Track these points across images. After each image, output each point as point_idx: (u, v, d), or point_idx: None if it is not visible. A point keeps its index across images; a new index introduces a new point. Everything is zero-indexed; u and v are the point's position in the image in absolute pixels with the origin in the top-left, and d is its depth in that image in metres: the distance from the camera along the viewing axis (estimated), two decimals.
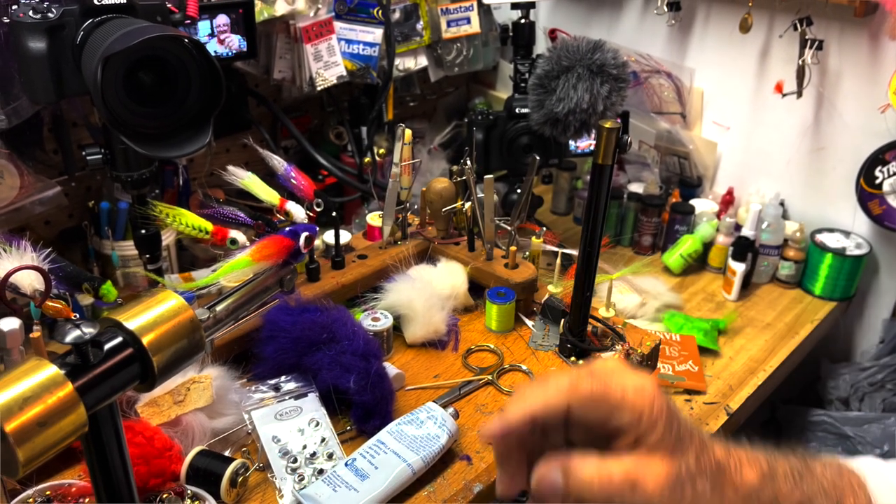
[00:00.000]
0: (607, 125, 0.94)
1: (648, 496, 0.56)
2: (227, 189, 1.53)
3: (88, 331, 0.51)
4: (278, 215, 1.09)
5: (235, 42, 1.34)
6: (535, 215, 1.83)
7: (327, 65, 1.57)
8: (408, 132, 1.18)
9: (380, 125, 1.74)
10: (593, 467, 0.56)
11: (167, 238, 1.37)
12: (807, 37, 1.53)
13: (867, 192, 1.56)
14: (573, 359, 1.09)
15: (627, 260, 1.77)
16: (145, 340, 0.54)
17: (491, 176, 1.16)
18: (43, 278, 0.79)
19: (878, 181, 1.55)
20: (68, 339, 0.51)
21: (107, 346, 0.53)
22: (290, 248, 0.61)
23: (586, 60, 1.40)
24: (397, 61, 1.71)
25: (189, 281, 1.43)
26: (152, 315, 0.56)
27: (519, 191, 1.60)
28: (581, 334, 1.09)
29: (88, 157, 1.07)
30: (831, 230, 1.68)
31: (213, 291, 1.29)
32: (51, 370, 0.49)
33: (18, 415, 0.46)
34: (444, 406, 0.97)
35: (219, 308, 0.63)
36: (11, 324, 0.80)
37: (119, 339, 0.54)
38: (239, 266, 0.61)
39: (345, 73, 1.60)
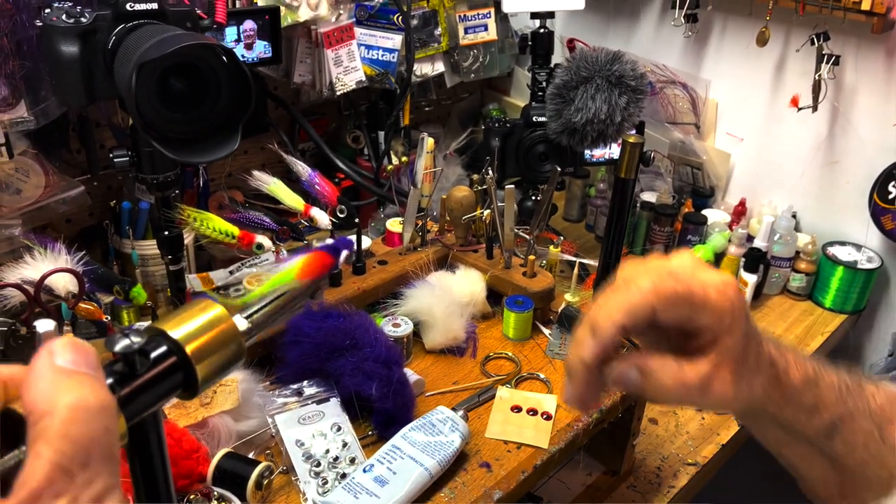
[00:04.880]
0: (631, 140, 0.95)
1: (717, 398, 0.58)
2: (246, 191, 1.54)
3: (137, 340, 0.52)
4: (302, 220, 1.10)
5: (262, 47, 1.35)
6: (549, 222, 1.84)
7: (347, 70, 1.59)
8: (430, 141, 1.20)
9: (396, 130, 1.75)
10: (671, 372, 0.57)
11: (186, 238, 1.38)
12: (824, 52, 1.55)
13: (880, 206, 1.58)
14: None
15: None
16: (189, 349, 0.56)
17: (512, 186, 1.17)
18: (77, 281, 0.80)
19: (891, 196, 1.56)
20: (118, 348, 0.52)
21: (152, 356, 0.54)
22: (332, 264, 0.63)
23: (605, 71, 1.42)
24: (414, 67, 1.72)
25: (207, 281, 1.45)
26: (196, 324, 0.57)
27: (534, 197, 1.62)
28: None
29: (116, 160, 1.09)
30: (843, 243, 1.69)
31: (231, 295, 1.31)
32: None
33: None
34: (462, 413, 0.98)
35: (256, 317, 0.64)
36: (47, 325, 0.81)
37: (164, 349, 0.55)
38: (283, 281, 0.62)
39: (364, 78, 1.62)
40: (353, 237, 1.15)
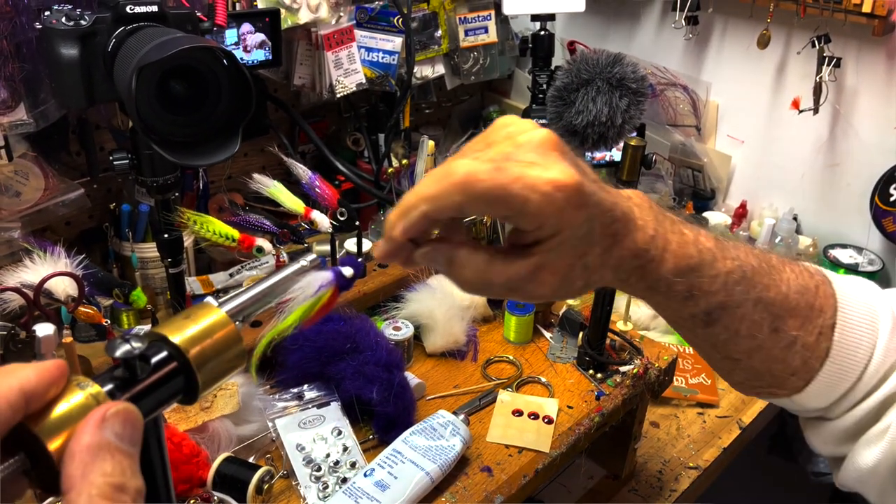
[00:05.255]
0: (633, 142, 0.95)
1: (531, 297, 0.55)
2: (246, 194, 1.54)
3: (137, 345, 0.52)
4: (303, 223, 1.10)
5: (258, 40, 1.34)
6: None
7: (347, 72, 1.58)
8: (430, 143, 1.20)
9: (396, 132, 1.75)
10: (477, 267, 0.54)
11: (186, 241, 1.38)
12: (824, 54, 1.54)
13: (882, 209, 1.57)
14: (591, 371, 1.10)
15: None
16: (190, 354, 0.55)
17: None
18: (77, 285, 0.80)
19: (892, 198, 1.56)
20: (118, 353, 0.51)
21: (153, 360, 0.54)
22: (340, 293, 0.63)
23: (606, 74, 1.42)
24: (415, 69, 1.72)
25: (207, 284, 1.44)
26: (196, 329, 0.57)
27: None
28: (599, 347, 1.10)
29: (116, 163, 1.08)
30: (844, 246, 1.69)
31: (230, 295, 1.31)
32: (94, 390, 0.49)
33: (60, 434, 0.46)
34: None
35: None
36: (46, 329, 0.81)
37: (164, 354, 0.55)
38: (300, 319, 0.62)
39: (364, 80, 1.61)
40: (356, 244, 1.15)
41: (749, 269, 0.58)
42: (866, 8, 1.45)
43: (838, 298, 0.61)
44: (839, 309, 0.61)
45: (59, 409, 0.46)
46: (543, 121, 1.53)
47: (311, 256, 0.70)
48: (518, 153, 0.51)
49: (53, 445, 0.45)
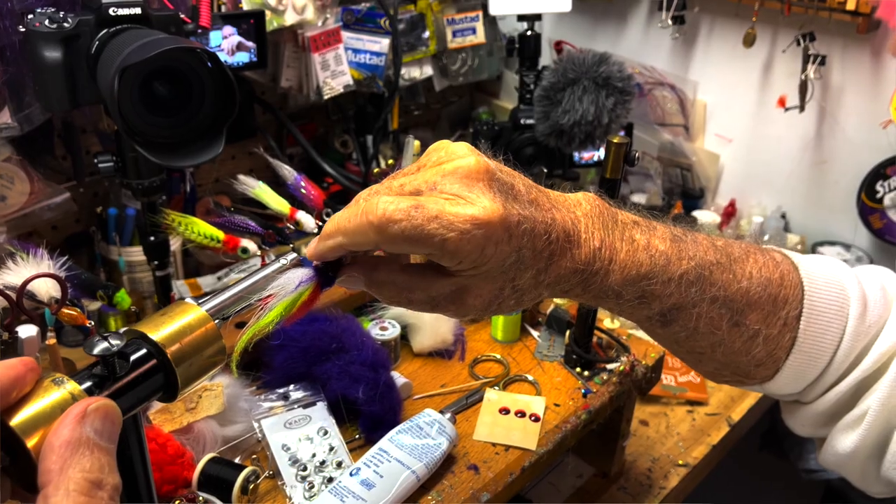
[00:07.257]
0: (615, 140, 0.95)
1: (458, 314, 0.56)
2: (234, 196, 1.54)
3: (116, 343, 0.52)
4: (289, 224, 1.10)
5: (234, 43, 1.34)
6: None
7: (334, 74, 1.58)
8: (416, 143, 1.19)
9: (385, 134, 1.75)
10: (396, 287, 0.55)
11: (173, 244, 1.37)
12: (810, 52, 1.55)
13: (868, 206, 1.58)
14: (578, 369, 1.10)
15: None
16: (169, 352, 0.55)
17: None
18: (60, 286, 0.80)
19: (879, 195, 1.57)
20: (96, 350, 0.51)
21: (132, 358, 0.54)
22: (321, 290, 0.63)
23: (592, 73, 1.42)
24: (403, 71, 1.72)
25: (194, 287, 1.44)
26: (176, 327, 0.57)
27: None
28: (586, 345, 1.10)
29: (101, 165, 1.08)
30: (832, 243, 1.69)
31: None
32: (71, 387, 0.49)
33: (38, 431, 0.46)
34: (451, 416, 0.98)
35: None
36: (29, 331, 0.81)
37: (144, 351, 0.55)
38: (284, 314, 0.62)
39: (351, 82, 1.61)
40: None
41: (707, 268, 0.58)
42: (850, 6, 1.46)
43: (805, 287, 0.61)
44: (806, 297, 0.61)
45: (37, 406, 0.47)
46: (532, 120, 1.54)
47: (292, 255, 0.71)
48: (443, 183, 0.51)
49: (31, 442, 0.45)
